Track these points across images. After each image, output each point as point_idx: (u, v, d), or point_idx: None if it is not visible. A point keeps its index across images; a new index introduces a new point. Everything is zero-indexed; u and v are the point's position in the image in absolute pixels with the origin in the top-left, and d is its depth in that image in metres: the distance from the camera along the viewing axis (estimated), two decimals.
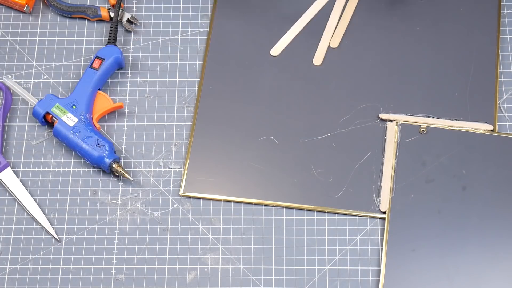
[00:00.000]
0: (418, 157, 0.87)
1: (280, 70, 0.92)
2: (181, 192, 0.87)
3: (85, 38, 0.96)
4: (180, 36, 0.95)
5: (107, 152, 0.86)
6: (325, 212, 0.86)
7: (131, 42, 0.95)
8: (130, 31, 0.96)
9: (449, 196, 0.85)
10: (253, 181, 0.87)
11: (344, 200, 0.86)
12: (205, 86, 0.91)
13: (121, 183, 0.88)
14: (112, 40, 0.93)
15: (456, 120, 0.89)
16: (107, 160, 0.86)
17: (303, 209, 0.86)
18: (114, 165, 0.86)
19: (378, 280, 0.82)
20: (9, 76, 0.94)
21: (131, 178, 0.86)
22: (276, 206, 0.86)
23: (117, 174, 0.87)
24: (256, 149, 0.88)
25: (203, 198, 0.87)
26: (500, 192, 0.85)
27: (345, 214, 0.85)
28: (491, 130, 0.88)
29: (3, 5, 0.98)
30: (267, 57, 0.93)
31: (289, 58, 0.93)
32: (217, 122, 0.89)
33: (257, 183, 0.87)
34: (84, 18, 0.97)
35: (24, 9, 0.96)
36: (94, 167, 0.88)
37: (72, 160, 0.89)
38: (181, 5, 0.97)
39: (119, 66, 0.93)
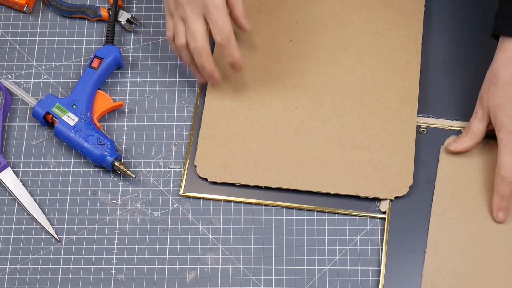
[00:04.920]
0: (418, 157, 0.87)
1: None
2: (181, 192, 0.87)
3: (85, 38, 0.96)
4: None
5: (109, 150, 0.86)
6: (325, 212, 0.86)
7: (131, 42, 0.95)
8: (130, 31, 0.96)
9: None
10: None
11: (344, 200, 0.85)
12: (205, 86, 0.91)
13: (121, 183, 0.88)
14: (110, 39, 0.93)
15: (456, 120, 0.89)
16: (109, 158, 0.86)
17: (303, 209, 0.86)
18: (116, 163, 0.86)
19: (378, 280, 0.82)
20: (9, 77, 0.94)
21: (133, 176, 0.86)
22: (276, 206, 0.86)
23: (119, 172, 0.87)
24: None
25: (203, 198, 0.87)
26: None
27: (345, 214, 0.85)
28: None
29: (3, 5, 0.98)
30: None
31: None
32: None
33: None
34: (84, 18, 0.97)
35: (24, 9, 0.96)
36: (95, 166, 0.88)
37: (72, 160, 0.89)
38: None
39: (118, 65, 0.93)
